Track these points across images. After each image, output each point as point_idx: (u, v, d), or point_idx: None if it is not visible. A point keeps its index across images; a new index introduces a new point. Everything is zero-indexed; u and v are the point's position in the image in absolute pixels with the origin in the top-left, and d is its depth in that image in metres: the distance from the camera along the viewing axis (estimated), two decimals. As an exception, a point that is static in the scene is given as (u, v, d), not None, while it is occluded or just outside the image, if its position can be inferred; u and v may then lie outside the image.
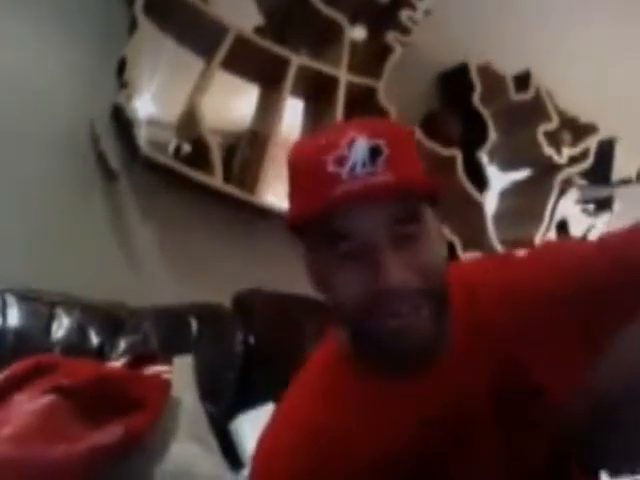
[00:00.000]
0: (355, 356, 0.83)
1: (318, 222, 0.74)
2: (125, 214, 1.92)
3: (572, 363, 0.77)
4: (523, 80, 2.57)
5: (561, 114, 2.65)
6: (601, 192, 2.79)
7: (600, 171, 2.74)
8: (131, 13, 1.85)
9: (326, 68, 2.17)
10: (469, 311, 0.82)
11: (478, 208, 2.46)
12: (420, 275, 0.73)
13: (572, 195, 2.73)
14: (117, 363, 1.50)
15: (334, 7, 2.17)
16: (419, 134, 2.32)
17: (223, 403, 1.64)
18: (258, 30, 2.16)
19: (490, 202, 2.54)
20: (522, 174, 2.72)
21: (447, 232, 2.34)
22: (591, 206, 2.80)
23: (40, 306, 1.55)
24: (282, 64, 2.09)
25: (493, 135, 2.49)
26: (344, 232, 0.73)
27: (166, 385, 1.45)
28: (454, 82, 2.54)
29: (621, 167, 2.80)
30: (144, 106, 1.94)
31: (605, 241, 0.87)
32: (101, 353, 1.57)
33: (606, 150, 2.75)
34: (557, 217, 2.64)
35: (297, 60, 2.10)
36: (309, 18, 2.19)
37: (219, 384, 1.66)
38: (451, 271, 0.85)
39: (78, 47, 1.86)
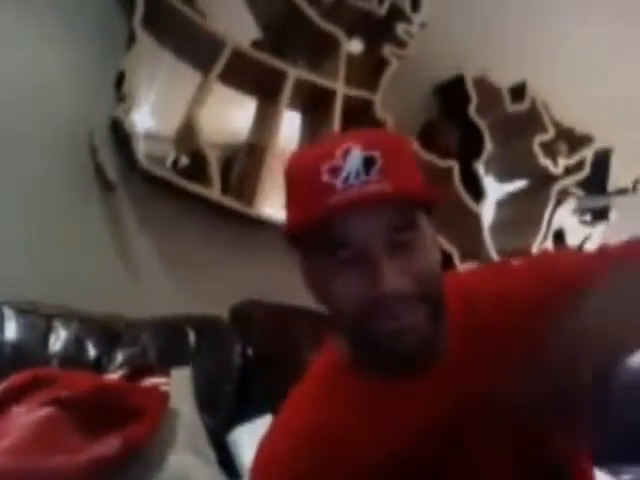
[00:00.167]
0: (354, 362, 0.84)
1: (314, 231, 0.76)
2: (123, 226, 1.93)
3: None
4: (519, 91, 2.59)
5: (557, 125, 2.66)
6: (597, 202, 2.80)
7: (596, 181, 2.75)
8: (129, 27, 1.86)
9: (323, 81, 2.19)
10: (466, 317, 0.84)
11: (475, 219, 2.47)
12: (416, 280, 0.74)
13: (569, 205, 2.74)
14: (115, 375, 1.51)
15: (331, 21, 2.19)
16: (416, 146, 2.33)
17: (221, 415, 1.64)
18: (255, 44, 2.17)
19: (487, 213, 2.55)
20: (518, 185, 2.74)
21: (444, 243, 2.35)
22: (588, 216, 2.81)
23: (37, 318, 1.56)
24: (279, 77, 2.11)
25: (489, 146, 2.50)
26: (340, 240, 0.74)
27: (164, 397, 1.46)
28: (450, 94, 2.56)
29: (617, 177, 2.82)
30: (142, 119, 1.95)
31: (603, 251, 0.88)
32: (99, 365, 1.57)
33: (602, 160, 2.76)
34: (554, 227, 2.65)
35: (294, 73, 2.12)
36: (306, 31, 2.21)
37: (217, 396, 1.66)
38: (449, 280, 0.86)
39: (77, 60, 1.88)
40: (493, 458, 0.82)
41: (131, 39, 1.86)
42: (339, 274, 0.75)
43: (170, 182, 1.92)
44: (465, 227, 2.44)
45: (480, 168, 2.50)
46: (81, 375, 1.47)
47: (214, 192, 1.96)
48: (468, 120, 2.48)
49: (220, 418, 1.63)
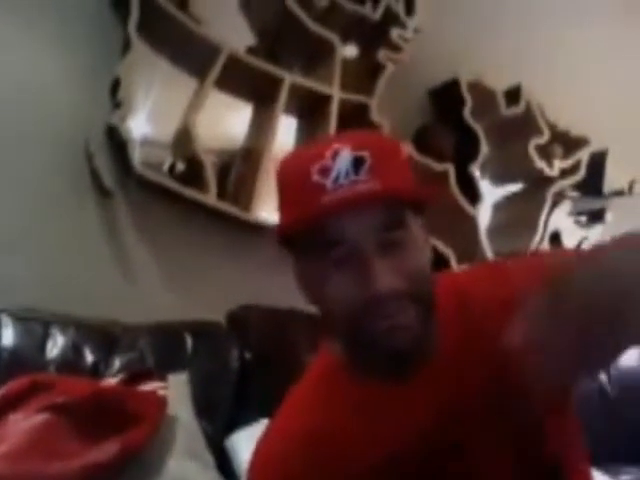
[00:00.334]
0: (349, 364, 0.84)
1: (305, 231, 0.76)
2: (120, 231, 1.93)
3: None
4: (514, 95, 2.60)
5: (552, 128, 2.67)
6: (593, 204, 2.81)
7: (592, 183, 2.76)
8: (125, 33, 1.87)
9: (319, 86, 2.20)
10: (459, 316, 0.84)
11: (472, 222, 2.47)
12: (406, 279, 0.74)
13: (565, 207, 2.75)
14: (112, 381, 1.51)
15: (325, 26, 2.21)
16: (412, 149, 2.34)
17: (219, 419, 1.64)
18: (251, 50, 2.18)
19: (483, 215, 2.55)
20: (514, 187, 2.74)
21: (441, 246, 2.36)
22: (584, 218, 2.82)
23: (35, 324, 1.56)
24: (275, 82, 2.12)
25: (485, 149, 2.51)
26: (331, 240, 0.75)
27: (162, 402, 1.46)
28: (445, 98, 2.57)
29: (613, 179, 2.82)
30: (138, 126, 1.96)
31: (597, 247, 0.88)
32: (96, 371, 1.57)
33: (598, 162, 2.76)
34: (550, 229, 2.65)
35: (290, 78, 2.13)
36: (301, 37, 2.22)
37: (215, 400, 1.66)
38: (443, 279, 0.87)
39: (73, 67, 1.89)
40: (492, 458, 0.82)
41: (126, 46, 1.87)
42: (330, 275, 0.75)
43: (166, 188, 1.93)
44: (462, 230, 2.45)
45: (476, 171, 2.51)
46: (79, 381, 1.47)
47: (210, 197, 1.97)
48: (463, 124, 2.49)
49: (218, 423, 1.63)
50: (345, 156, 0.74)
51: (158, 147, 2.04)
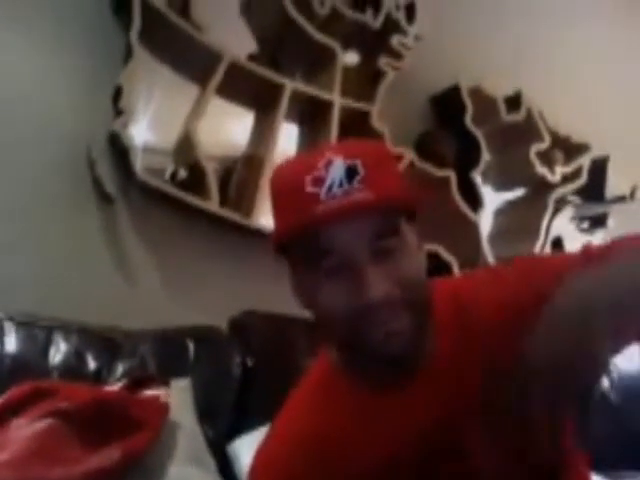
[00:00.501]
0: (346, 369, 0.85)
1: (299, 240, 0.77)
2: (122, 238, 1.93)
3: None
4: (514, 101, 2.61)
5: (553, 134, 2.68)
6: (595, 209, 2.81)
7: (594, 189, 2.76)
8: (127, 41, 1.88)
9: (320, 93, 2.21)
10: (456, 320, 0.85)
11: (473, 228, 2.48)
12: (401, 287, 0.75)
13: (566, 213, 2.75)
14: (115, 387, 1.51)
15: (326, 33, 2.22)
16: (413, 156, 2.35)
17: (221, 425, 1.64)
18: (252, 56, 2.19)
19: (485, 222, 2.56)
20: (516, 193, 2.75)
21: (443, 252, 2.36)
22: (586, 223, 2.82)
23: (37, 331, 1.56)
24: (276, 89, 2.13)
25: (486, 155, 2.52)
26: (325, 249, 0.75)
27: (164, 408, 1.46)
28: (446, 104, 2.58)
29: (615, 184, 2.83)
30: (140, 133, 1.97)
31: (587, 250, 0.89)
32: (99, 377, 1.57)
33: (599, 168, 2.77)
34: (552, 235, 2.65)
35: (291, 85, 2.14)
36: (302, 44, 2.23)
37: (217, 406, 1.66)
38: (440, 284, 0.87)
39: (75, 74, 1.90)
40: (491, 459, 0.82)
41: (128, 53, 1.88)
42: (325, 283, 0.76)
43: (168, 194, 1.93)
44: (463, 236, 2.45)
45: (477, 177, 2.51)
46: (81, 387, 1.47)
47: (212, 204, 1.97)
48: (464, 130, 2.50)
49: (220, 428, 1.63)
50: (338, 166, 0.75)
51: (160, 154, 2.05)
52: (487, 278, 0.95)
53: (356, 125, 2.25)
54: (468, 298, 0.87)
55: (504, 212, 2.72)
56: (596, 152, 2.77)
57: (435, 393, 0.82)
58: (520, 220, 2.68)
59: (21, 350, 1.52)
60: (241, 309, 1.91)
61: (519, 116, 2.59)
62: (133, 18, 1.87)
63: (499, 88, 2.60)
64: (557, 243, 2.67)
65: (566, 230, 2.72)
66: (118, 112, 1.85)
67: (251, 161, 2.16)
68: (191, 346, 1.71)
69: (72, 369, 1.55)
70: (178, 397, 1.53)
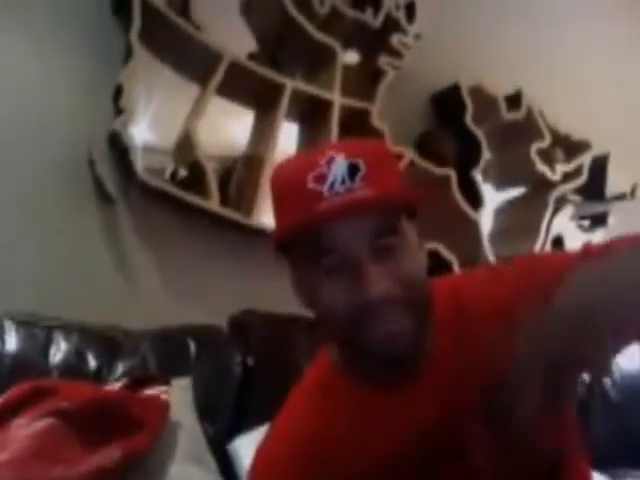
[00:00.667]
0: (346, 369, 0.85)
1: (301, 238, 0.77)
2: (122, 237, 1.94)
3: None
4: (515, 99, 2.60)
5: (553, 132, 2.67)
6: (596, 208, 2.81)
7: (594, 187, 2.76)
8: (127, 41, 1.88)
9: (320, 92, 2.21)
10: (456, 318, 0.85)
11: (474, 226, 2.47)
12: (401, 285, 0.75)
13: (567, 211, 2.75)
14: (115, 386, 1.51)
15: (326, 32, 2.22)
16: (414, 155, 2.34)
17: (221, 424, 1.64)
18: (252, 56, 2.19)
19: (485, 220, 2.56)
20: (516, 192, 2.75)
21: (444, 250, 2.36)
22: (586, 222, 2.82)
23: (38, 330, 1.56)
24: (276, 89, 2.13)
25: (487, 154, 2.52)
26: (326, 247, 0.75)
27: (165, 407, 1.46)
28: (447, 103, 2.57)
29: (615, 183, 2.82)
30: (140, 132, 1.97)
31: (587, 249, 0.89)
32: (99, 376, 1.57)
33: (600, 166, 2.76)
34: (552, 233, 2.65)
35: (291, 84, 2.14)
36: (302, 43, 2.23)
37: (217, 405, 1.66)
38: (440, 283, 0.87)
39: (75, 74, 1.90)
40: (491, 458, 0.82)
41: (128, 53, 1.88)
42: (326, 281, 0.76)
43: (168, 194, 1.94)
44: (464, 235, 2.45)
45: (478, 176, 2.51)
46: (81, 386, 1.47)
47: (213, 203, 1.97)
48: (465, 129, 2.50)
49: (221, 427, 1.63)
50: (340, 163, 0.75)
51: (160, 153, 2.05)
52: (487, 277, 0.95)
53: (356, 124, 2.25)
54: (468, 297, 0.87)
55: (504, 211, 2.72)
56: (596, 150, 2.77)
57: (435, 393, 0.82)
58: (520, 219, 2.67)
59: (21, 349, 1.52)
60: (241, 308, 1.91)
61: (519, 115, 2.59)
62: (133, 18, 1.87)
63: (499, 87, 2.60)
64: (557, 242, 2.66)
65: (566, 228, 2.72)
66: (118, 112, 1.85)
67: (251, 160, 2.16)
68: (191, 345, 1.71)
69: (72, 368, 1.55)
70: (178, 396, 1.53)
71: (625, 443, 2.12)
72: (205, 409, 1.59)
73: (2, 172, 1.78)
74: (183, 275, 2.02)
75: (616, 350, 0.70)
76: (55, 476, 1.22)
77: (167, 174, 2.06)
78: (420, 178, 2.33)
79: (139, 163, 1.87)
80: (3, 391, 1.37)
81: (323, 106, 2.21)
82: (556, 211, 2.68)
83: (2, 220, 1.76)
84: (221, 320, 1.88)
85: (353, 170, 0.75)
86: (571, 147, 2.75)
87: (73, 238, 1.86)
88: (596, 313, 0.68)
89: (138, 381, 1.51)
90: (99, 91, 1.88)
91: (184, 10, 2.02)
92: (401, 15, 2.35)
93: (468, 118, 2.49)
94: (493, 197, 2.67)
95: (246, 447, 1.57)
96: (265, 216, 2.04)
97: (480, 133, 2.51)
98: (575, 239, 2.69)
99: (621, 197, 2.82)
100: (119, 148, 1.89)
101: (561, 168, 2.69)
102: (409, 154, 2.32)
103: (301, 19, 2.16)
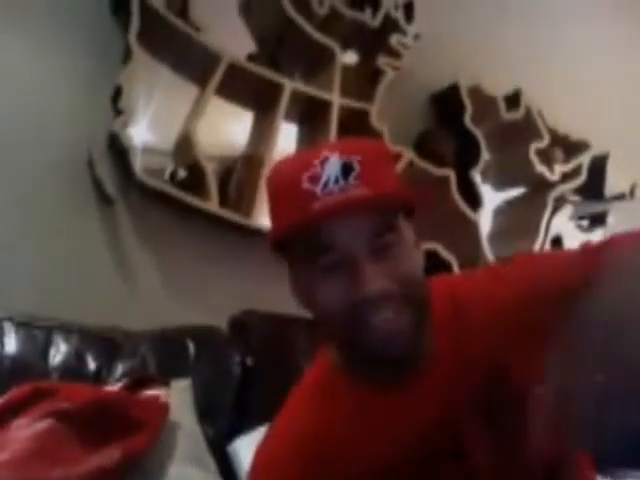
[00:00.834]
0: (346, 369, 0.85)
1: (296, 238, 0.77)
2: (122, 239, 1.94)
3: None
4: (513, 100, 2.61)
5: (552, 132, 2.68)
6: (595, 208, 2.81)
7: (593, 187, 2.76)
8: (125, 42, 1.88)
9: (319, 92, 2.21)
10: (454, 318, 0.85)
11: (473, 227, 2.48)
12: (398, 283, 0.75)
13: (566, 211, 2.75)
14: (115, 387, 1.51)
15: (325, 33, 2.22)
16: (412, 155, 2.35)
17: (221, 425, 1.64)
18: (251, 57, 2.20)
19: (484, 220, 2.56)
20: (515, 192, 2.75)
21: (443, 251, 2.36)
22: (585, 222, 2.82)
23: (37, 332, 1.56)
24: (275, 89, 2.13)
25: (486, 154, 2.52)
26: (322, 246, 0.75)
27: (164, 408, 1.46)
28: (445, 103, 2.58)
29: (614, 183, 2.83)
30: (139, 133, 1.97)
31: (585, 248, 0.89)
32: (99, 378, 1.57)
33: (598, 166, 2.77)
34: (551, 233, 2.65)
35: (290, 85, 2.14)
36: (301, 44, 2.23)
37: (217, 406, 1.66)
38: (438, 283, 0.87)
39: (74, 75, 1.90)
40: (491, 458, 0.82)
41: (127, 54, 1.88)
42: (323, 280, 0.76)
43: (168, 195, 1.94)
44: (463, 235, 2.45)
45: (477, 176, 2.51)
46: (81, 387, 1.47)
47: (212, 204, 1.97)
48: (464, 129, 2.50)
49: (220, 428, 1.63)
50: (334, 163, 0.75)
51: (159, 154, 2.05)
52: (486, 277, 0.95)
53: (355, 125, 2.25)
54: (467, 297, 0.87)
55: (503, 211, 2.72)
56: (595, 150, 2.77)
57: (435, 393, 0.82)
58: (519, 219, 2.68)
59: (21, 351, 1.52)
60: (241, 309, 1.91)
61: (518, 115, 2.59)
62: (132, 19, 1.87)
63: (498, 87, 2.60)
64: (557, 241, 2.67)
65: (566, 228, 2.72)
66: (117, 112, 1.85)
67: (251, 161, 2.16)
68: (191, 346, 1.71)
69: (72, 369, 1.55)
70: (178, 397, 1.53)
71: (629, 443, 2.12)
72: (205, 410, 1.59)
73: (2, 172, 1.78)
74: (183, 275, 2.02)
75: None
76: (55, 477, 1.22)
77: (166, 175, 2.06)
78: (419, 178, 2.33)
79: (138, 164, 1.87)
80: (3, 392, 1.37)
81: (322, 106, 2.22)
82: (555, 211, 2.69)
83: (2, 220, 1.76)
84: (221, 320, 1.88)
85: (347, 169, 0.75)
86: (570, 147, 2.76)
87: (73, 238, 1.86)
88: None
89: (138, 382, 1.50)
90: (98, 92, 1.88)
91: (183, 11, 2.02)
92: (400, 15, 2.36)
93: (467, 118, 2.49)
94: (492, 197, 2.67)
95: (246, 448, 1.57)
96: (264, 217, 2.04)
97: (479, 133, 2.51)
98: (574, 239, 2.69)
99: (620, 197, 2.82)
100: (118, 149, 1.89)
101: (560, 168, 2.69)
102: (408, 154, 2.32)
103: (300, 20, 2.16)
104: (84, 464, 1.26)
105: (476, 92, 2.54)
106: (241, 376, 1.73)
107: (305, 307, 0.82)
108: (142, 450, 1.34)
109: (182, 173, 2.06)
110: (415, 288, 0.77)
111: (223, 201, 2.03)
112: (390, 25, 2.34)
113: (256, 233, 2.04)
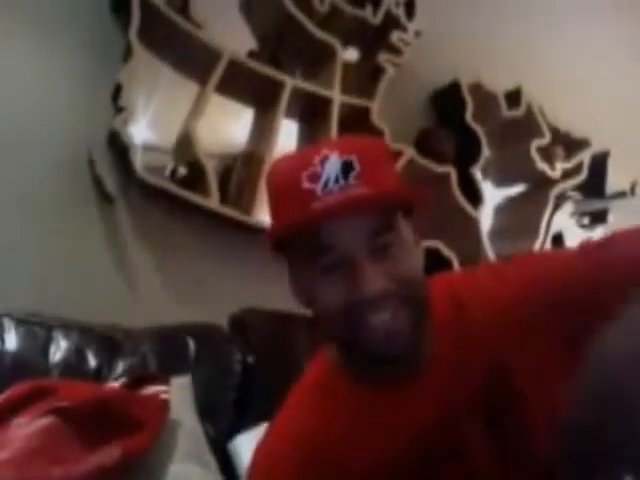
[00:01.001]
0: (346, 369, 0.84)
1: (295, 237, 0.77)
2: (122, 236, 1.94)
3: (555, 370, 0.78)
4: (514, 97, 2.60)
5: (553, 129, 2.67)
6: (596, 205, 2.81)
7: (594, 185, 2.76)
8: (126, 39, 1.88)
9: (320, 89, 2.20)
10: (454, 317, 0.85)
11: (474, 224, 2.47)
12: (397, 282, 0.75)
13: (567, 209, 2.75)
14: (115, 385, 1.51)
15: (326, 30, 2.21)
16: (413, 152, 2.34)
17: (222, 423, 1.64)
18: (252, 54, 2.19)
19: (485, 218, 2.56)
20: (516, 189, 2.75)
21: (444, 248, 2.36)
22: (586, 219, 2.82)
23: (38, 329, 1.56)
24: (276, 86, 2.12)
25: (486, 151, 2.52)
26: (322, 246, 0.75)
27: (165, 405, 1.46)
28: (446, 100, 2.57)
29: (615, 180, 2.82)
30: (140, 131, 1.96)
31: (585, 247, 0.89)
32: (99, 375, 1.57)
33: (599, 164, 2.77)
34: (552, 231, 2.65)
35: (291, 82, 2.14)
36: (302, 41, 2.22)
37: (217, 404, 1.66)
38: (438, 282, 0.87)
39: (74, 73, 1.90)
40: (491, 458, 0.82)
41: (128, 51, 1.88)
42: (322, 280, 0.76)
43: (168, 192, 1.93)
44: (464, 233, 2.45)
45: (478, 173, 2.51)
46: (81, 385, 1.47)
47: (212, 201, 1.97)
48: (465, 126, 2.49)
49: (221, 426, 1.63)
50: (334, 162, 0.75)
51: (160, 152, 2.05)
52: (487, 276, 0.95)
53: (356, 122, 2.25)
54: (467, 296, 0.87)
55: (504, 208, 2.72)
56: (596, 148, 2.77)
57: (435, 393, 0.81)
58: (520, 216, 2.67)
59: (21, 348, 1.52)
60: (241, 306, 1.91)
61: (519, 112, 2.59)
62: (132, 16, 1.86)
63: (499, 84, 2.60)
64: (557, 239, 2.67)
65: (566, 226, 2.72)
66: (118, 110, 1.85)
67: (251, 158, 2.15)
68: (191, 344, 1.71)
69: (72, 367, 1.55)
70: (178, 395, 1.53)
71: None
72: (205, 408, 1.58)
73: (2, 172, 1.77)
74: (183, 274, 2.02)
75: None
76: (55, 475, 1.22)
77: (167, 172, 2.05)
78: (420, 175, 2.33)
79: (139, 162, 1.87)
80: (3, 390, 1.37)
81: (323, 104, 2.21)
82: (556, 208, 2.68)
83: (2, 220, 1.76)
84: (221, 319, 1.88)
85: (347, 168, 0.74)
86: (571, 144, 2.76)
87: (73, 238, 1.86)
88: None
89: (138, 380, 1.50)
90: (98, 90, 1.88)
91: (183, 8, 2.02)
92: (401, 12, 2.35)
93: (468, 115, 2.49)
94: (493, 195, 2.67)
95: (246, 445, 1.57)
96: (265, 214, 2.04)
97: (480, 130, 2.51)
98: (575, 236, 2.69)
99: (621, 194, 2.82)
100: (119, 147, 1.89)
101: (561, 165, 2.69)
102: (409, 151, 2.31)
103: (301, 17, 2.16)
104: (84, 462, 1.26)
105: (477, 89, 2.54)
106: (241, 374, 1.73)
107: (305, 306, 0.82)
108: (143, 448, 1.34)
109: (182, 171, 2.05)
110: (414, 288, 0.77)
111: (223, 199, 2.02)
112: (391, 22, 2.33)
113: (257, 231, 2.04)
